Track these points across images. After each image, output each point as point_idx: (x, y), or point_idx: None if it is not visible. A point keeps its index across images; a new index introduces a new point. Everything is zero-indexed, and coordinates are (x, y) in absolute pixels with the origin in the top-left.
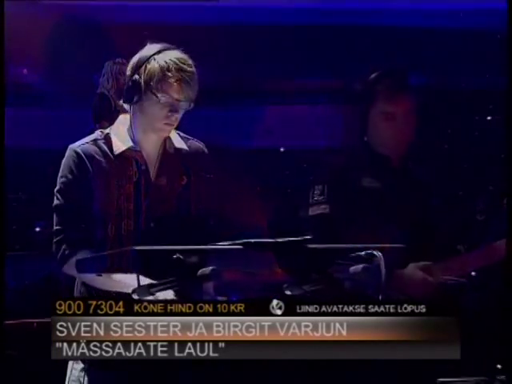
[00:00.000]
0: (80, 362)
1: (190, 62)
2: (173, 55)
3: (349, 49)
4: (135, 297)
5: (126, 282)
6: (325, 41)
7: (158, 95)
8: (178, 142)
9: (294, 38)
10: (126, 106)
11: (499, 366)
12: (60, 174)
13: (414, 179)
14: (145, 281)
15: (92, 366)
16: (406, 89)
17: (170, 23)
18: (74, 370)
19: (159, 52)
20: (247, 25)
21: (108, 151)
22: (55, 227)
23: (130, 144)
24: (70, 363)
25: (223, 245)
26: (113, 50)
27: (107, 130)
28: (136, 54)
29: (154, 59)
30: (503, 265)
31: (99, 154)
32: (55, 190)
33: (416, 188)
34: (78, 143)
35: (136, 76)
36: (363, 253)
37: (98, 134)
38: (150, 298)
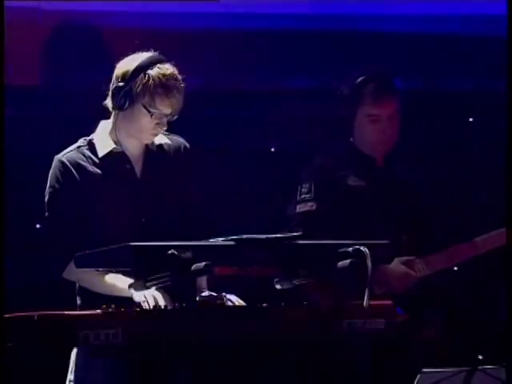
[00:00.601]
0: (81, 353)
1: (180, 76)
2: (166, 71)
3: (339, 53)
4: (132, 291)
5: (122, 286)
6: (317, 45)
7: (150, 110)
8: (159, 138)
9: (285, 42)
10: (110, 110)
11: (480, 357)
12: (48, 185)
13: (398, 178)
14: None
15: (95, 355)
16: (392, 92)
17: (165, 29)
18: (77, 361)
19: (152, 65)
20: (236, 30)
21: (92, 156)
22: (50, 237)
23: (113, 145)
24: (73, 355)
25: (216, 241)
26: (111, 55)
27: (90, 137)
28: (126, 60)
29: (148, 74)
30: (503, 261)
31: (84, 159)
32: (45, 200)
33: (400, 187)
34: (62, 153)
35: (128, 87)
36: (350, 249)
37: (81, 141)
38: (145, 291)
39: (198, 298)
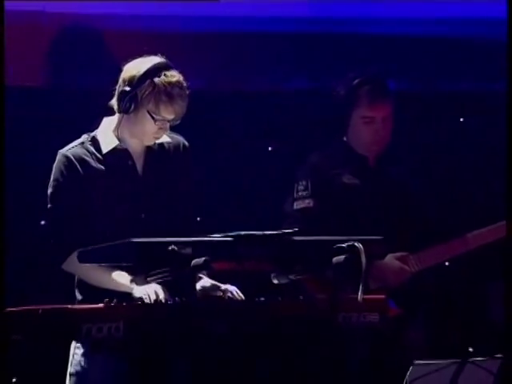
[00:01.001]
0: (81, 346)
1: (185, 83)
2: (172, 79)
3: (337, 55)
4: (133, 286)
5: (122, 282)
6: (314, 47)
7: (154, 116)
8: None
9: (283, 44)
10: (115, 111)
11: (471, 349)
12: (52, 178)
13: (389, 178)
14: (142, 271)
15: (92, 351)
16: (386, 95)
17: (167, 32)
18: (76, 354)
19: (159, 72)
20: (236, 33)
21: (95, 152)
22: (51, 229)
23: (117, 142)
24: (72, 348)
25: (215, 237)
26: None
27: (93, 133)
28: (133, 63)
29: (154, 82)
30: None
31: (87, 155)
32: (48, 193)
33: (391, 186)
34: (66, 147)
35: (134, 92)
36: (345, 245)
37: (84, 137)
38: (146, 286)
39: (198, 287)
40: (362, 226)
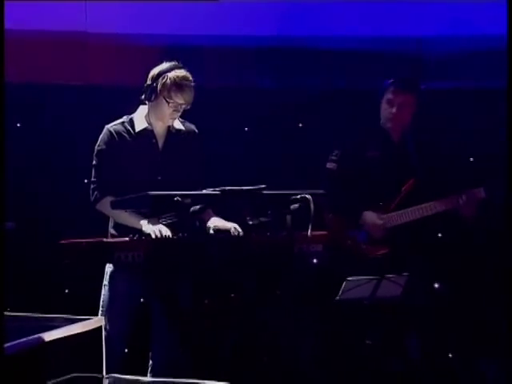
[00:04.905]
0: (112, 267)
1: (191, 78)
2: (180, 74)
3: (294, 63)
4: (142, 222)
5: (136, 221)
6: (282, 58)
7: (168, 100)
8: (178, 124)
9: (260, 54)
10: (144, 101)
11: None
12: (97, 144)
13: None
14: (155, 215)
15: (124, 269)
16: (406, 88)
17: (180, 46)
18: (109, 272)
19: (171, 70)
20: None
21: (131, 130)
22: (92, 179)
23: (146, 125)
24: (106, 268)
25: (208, 191)
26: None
27: (131, 116)
28: (155, 67)
29: (168, 76)
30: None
31: (124, 131)
32: (94, 154)
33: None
34: (111, 124)
35: (154, 84)
36: (299, 196)
37: (124, 118)
38: (155, 226)
39: (210, 224)
40: (374, 190)
